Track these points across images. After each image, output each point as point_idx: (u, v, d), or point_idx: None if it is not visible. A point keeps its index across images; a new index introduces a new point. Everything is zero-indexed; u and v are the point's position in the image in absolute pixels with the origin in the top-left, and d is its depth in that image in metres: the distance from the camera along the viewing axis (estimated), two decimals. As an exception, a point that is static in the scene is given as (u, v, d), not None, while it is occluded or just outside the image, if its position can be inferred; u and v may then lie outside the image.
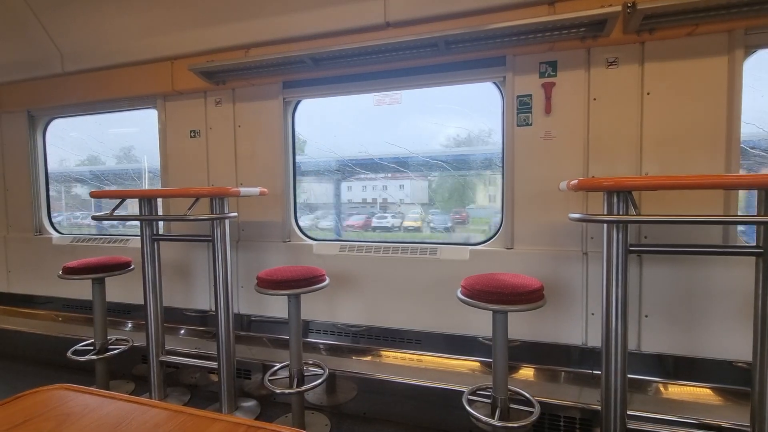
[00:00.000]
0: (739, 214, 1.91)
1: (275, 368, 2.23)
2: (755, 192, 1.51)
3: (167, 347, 2.48)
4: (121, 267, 2.53)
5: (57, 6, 2.71)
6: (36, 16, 2.79)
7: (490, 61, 2.18)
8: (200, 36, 2.56)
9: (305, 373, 2.15)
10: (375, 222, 3.00)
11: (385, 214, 2.97)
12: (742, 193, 1.92)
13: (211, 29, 2.53)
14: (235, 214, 2.24)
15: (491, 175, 2.57)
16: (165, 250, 2.78)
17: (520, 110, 2.14)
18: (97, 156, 3.64)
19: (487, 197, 2.65)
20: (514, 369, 2.19)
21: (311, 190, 3.00)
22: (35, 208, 3.33)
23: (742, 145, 1.88)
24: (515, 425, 1.70)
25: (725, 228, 1.87)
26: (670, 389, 1.97)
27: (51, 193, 3.44)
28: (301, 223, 2.70)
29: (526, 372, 2.19)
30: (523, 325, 2.15)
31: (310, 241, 2.61)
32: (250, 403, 2.38)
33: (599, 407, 1.72)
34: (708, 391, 1.92)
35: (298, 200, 2.72)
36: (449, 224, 2.74)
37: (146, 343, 2.37)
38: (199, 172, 2.80)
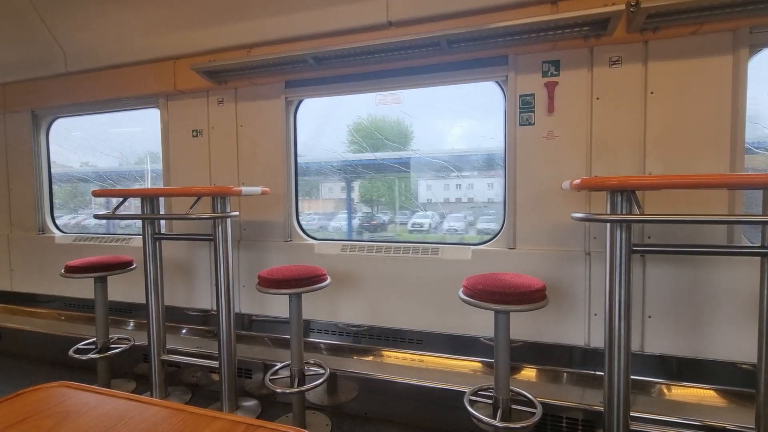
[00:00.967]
0: (744, 213, 1.90)
1: (276, 368, 2.23)
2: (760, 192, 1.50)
3: (168, 346, 2.49)
4: (123, 266, 2.53)
5: (61, 6, 2.72)
6: (40, 17, 2.80)
7: (492, 60, 2.17)
8: (203, 35, 2.57)
9: (306, 373, 2.15)
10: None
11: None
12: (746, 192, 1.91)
13: (213, 29, 2.53)
14: (237, 213, 2.24)
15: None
16: (167, 250, 2.79)
17: (522, 110, 2.13)
18: (106, 155, 3.65)
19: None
20: (516, 369, 2.18)
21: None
22: (38, 207, 3.34)
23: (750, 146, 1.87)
24: (517, 426, 1.69)
25: (730, 228, 1.86)
26: (673, 391, 1.95)
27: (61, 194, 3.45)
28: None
29: (528, 372, 2.18)
30: (525, 326, 2.14)
31: (311, 241, 2.61)
32: (251, 403, 2.38)
33: (602, 408, 1.71)
34: (712, 392, 1.91)
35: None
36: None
37: (148, 342, 2.38)
38: (201, 171, 2.81)
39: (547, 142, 2.09)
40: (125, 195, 2.31)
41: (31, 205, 3.34)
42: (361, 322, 2.48)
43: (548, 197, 2.11)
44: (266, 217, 2.67)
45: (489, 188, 2.77)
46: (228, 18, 2.47)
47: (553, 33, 1.91)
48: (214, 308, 2.80)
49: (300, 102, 2.65)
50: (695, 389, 1.93)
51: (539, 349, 2.17)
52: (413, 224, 3.01)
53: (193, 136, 2.81)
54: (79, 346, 2.57)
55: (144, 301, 2.36)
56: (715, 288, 1.87)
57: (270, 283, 1.97)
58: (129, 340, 2.62)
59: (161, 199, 2.80)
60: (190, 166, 2.83)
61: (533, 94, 2.11)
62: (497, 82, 2.25)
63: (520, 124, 2.13)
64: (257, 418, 2.28)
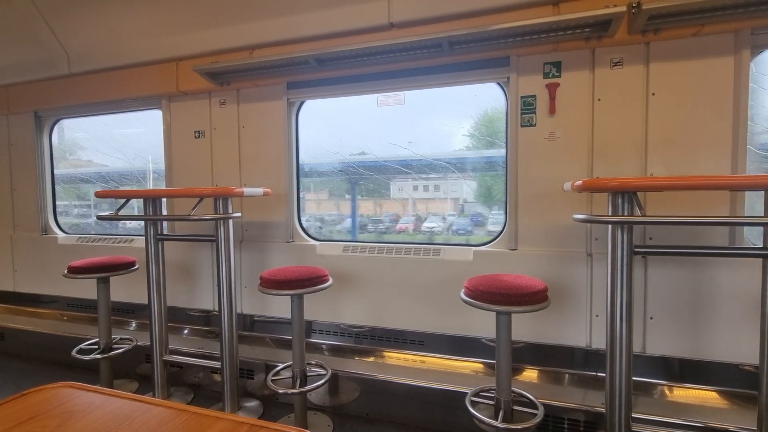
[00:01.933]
0: (746, 215, 1.90)
1: (278, 368, 2.24)
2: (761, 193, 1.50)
3: (171, 347, 2.49)
4: (126, 266, 2.54)
5: (64, 8, 2.73)
6: (43, 18, 2.82)
7: (494, 61, 2.17)
8: (205, 37, 2.58)
9: (308, 374, 2.15)
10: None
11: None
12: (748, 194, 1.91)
13: (215, 30, 2.54)
14: (239, 214, 2.25)
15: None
16: (169, 250, 2.80)
17: (524, 111, 2.13)
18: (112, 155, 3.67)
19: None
20: (517, 371, 2.18)
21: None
22: (41, 207, 3.35)
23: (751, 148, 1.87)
24: (518, 427, 1.69)
25: (731, 229, 1.85)
26: (675, 392, 1.95)
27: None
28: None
29: (530, 374, 2.18)
30: (526, 327, 2.14)
31: (313, 242, 2.62)
32: (253, 403, 2.39)
33: (603, 410, 1.71)
34: (714, 394, 1.90)
35: (300, 201, 2.72)
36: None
37: (150, 343, 2.38)
38: (203, 172, 2.82)
39: (548, 143, 2.10)
40: (128, 196, 2.31)
41: (34, 206, 3.36)
42: (363, 322, 2.48)
43: (550, 198, 2.11)
44: (268, 217, 2.68)
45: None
46: (230, 20, 2.48)
47: (554, 34, 1.91)
48: (216, 309, 2.81)
49: (302, 103, 2.66)
50: (697, 391, 1.93)
51: (541, 350, 2.17)
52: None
53: (196, 137, 2.82)
54: (82, 346, 2.58)
55: (146, 302, 2.37)
56: (716, 289, 1.87)
57: (272, 283, 1.97)
58: (131, 341, 2.63)
59: (164, 199, 2.81)
60: (192, 167, 2.84)
61: (535, 96, 2.11)
62: (499, 84, 2.25)
63: (522, 126, 2.14)
64: (259, 418, 2.28)
